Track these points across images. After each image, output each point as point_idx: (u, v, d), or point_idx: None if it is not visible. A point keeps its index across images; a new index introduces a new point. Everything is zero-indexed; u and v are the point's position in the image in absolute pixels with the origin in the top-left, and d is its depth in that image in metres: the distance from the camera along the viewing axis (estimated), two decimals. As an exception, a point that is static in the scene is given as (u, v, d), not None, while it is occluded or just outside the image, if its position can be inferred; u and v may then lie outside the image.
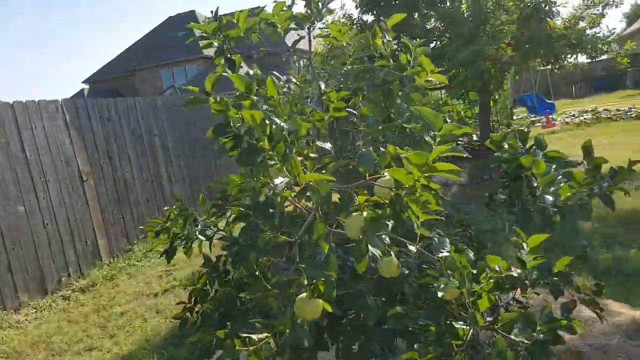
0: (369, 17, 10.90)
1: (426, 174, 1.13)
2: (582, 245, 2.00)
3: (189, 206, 2.51)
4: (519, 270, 1.54)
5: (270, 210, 1.31)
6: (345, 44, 2.02)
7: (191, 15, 32.63)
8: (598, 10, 9.70)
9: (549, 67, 10.37)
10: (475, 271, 1.60)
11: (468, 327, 1.49)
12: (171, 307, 5.29)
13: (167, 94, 21.10)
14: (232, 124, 1.33)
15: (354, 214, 1.28)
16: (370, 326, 1.85)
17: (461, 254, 1.45)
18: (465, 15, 9.61)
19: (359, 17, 11.19)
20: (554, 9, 8.87)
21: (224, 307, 2.07)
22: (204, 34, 2.01)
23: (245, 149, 1.30)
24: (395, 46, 2.54)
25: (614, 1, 9.49)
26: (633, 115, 13.96)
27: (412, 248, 1.38)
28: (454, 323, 1.51)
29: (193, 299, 2.11)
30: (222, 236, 2.66)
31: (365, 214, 1.25)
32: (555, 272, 1.56)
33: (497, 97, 13.38)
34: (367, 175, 1.30)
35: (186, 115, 9.38)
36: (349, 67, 2.03)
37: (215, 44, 1.99)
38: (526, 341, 1.53)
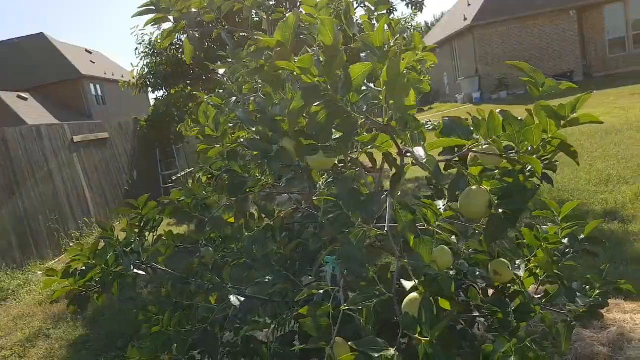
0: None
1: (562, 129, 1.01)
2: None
3: None
4: (566, 239, 1.51)
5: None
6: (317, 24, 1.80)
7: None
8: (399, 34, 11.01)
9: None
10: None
11: (537, 305, 1.41)
12: (10, 384, 4.21)
13: None
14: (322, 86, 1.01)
15: (473, 187, 1.09)
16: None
17: (534, 229, 1.36)
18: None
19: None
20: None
21: (205, 346, 1.64)
22: (155, 6, 1.60)
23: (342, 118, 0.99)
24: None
25: (412, 26, 10.94)
26: (430, 128, 16.07)
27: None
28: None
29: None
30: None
31: (485, 187, 1.07)
32: (585, 238, 1.58)
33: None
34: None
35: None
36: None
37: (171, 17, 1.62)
38: (581, 309, 1.51)
